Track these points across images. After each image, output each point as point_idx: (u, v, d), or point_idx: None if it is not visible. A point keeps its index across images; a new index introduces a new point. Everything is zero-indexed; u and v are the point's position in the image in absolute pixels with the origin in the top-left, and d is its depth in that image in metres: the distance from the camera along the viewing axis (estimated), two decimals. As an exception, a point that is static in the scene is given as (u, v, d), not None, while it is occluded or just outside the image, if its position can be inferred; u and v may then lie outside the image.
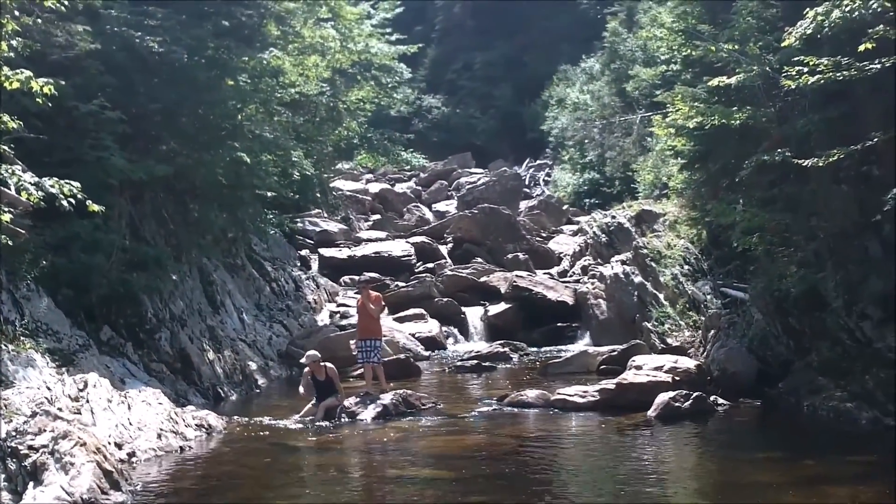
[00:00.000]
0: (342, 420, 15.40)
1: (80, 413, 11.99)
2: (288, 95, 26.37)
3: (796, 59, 14.04)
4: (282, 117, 26.10)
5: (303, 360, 16.16)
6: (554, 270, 30.53)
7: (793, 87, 14.32)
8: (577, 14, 59.50)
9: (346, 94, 33.79)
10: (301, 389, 15.99)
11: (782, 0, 16.84)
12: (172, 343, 17.26)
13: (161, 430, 13.10)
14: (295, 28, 25.63)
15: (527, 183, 49.03)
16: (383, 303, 18.29)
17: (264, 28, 21.99)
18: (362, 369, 17.30)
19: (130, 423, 12.74)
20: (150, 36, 17.05)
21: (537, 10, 63.05)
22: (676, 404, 14.93)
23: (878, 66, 12.94)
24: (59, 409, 11.53)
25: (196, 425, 14.02)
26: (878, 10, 12.74)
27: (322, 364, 15.86)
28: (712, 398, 15.60)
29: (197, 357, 17.69)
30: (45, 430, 10.20)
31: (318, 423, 15.10)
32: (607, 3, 49.62)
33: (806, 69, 13.73)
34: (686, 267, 21.03)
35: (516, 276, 26.97)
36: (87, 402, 12.40)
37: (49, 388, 12.11)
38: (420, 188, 48.86)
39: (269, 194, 22.92)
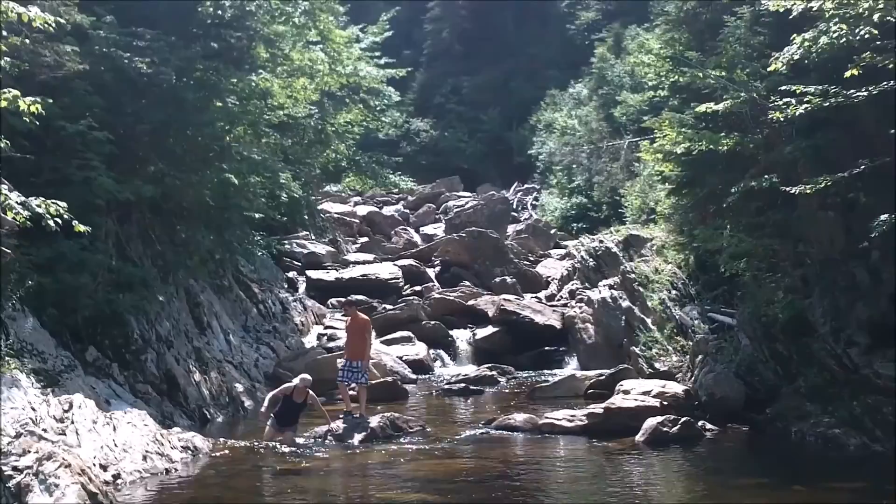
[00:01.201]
0: (329, 443, 15.30)
1: (64, 434, 11.88)
2: (276, 117, 26.32)
3: (784, 87, 14.13)
4: (270, 139, 26.04)
5: (295, 381, 15.90)
6: (541, 294, 30.47)
7: (781, 118, 14.41)
8: (565, 40, 59.86)
9: (334, 116, 33.77)
10: (265, 404, 15.70)
11: (770, 27, 16.99)
12: (158, 364, 17.13)
13: (146, 451, 12.99)
14: (284, 51, 25.64)
15: (514, 207, 49.01)
16: (371, 327, 18.09)
17: (253, 50, 22.00)
18: (351, 390, 17.17)
19: (116, 445, 12.62)
20: (139, 57, 17.01)
21: (524, 35, 63.46)
22: (664, 429, 14.93)
23: (865, 93, 13.03)
24: (44, 430, 11.44)
25: (182, 447, 13.91)
26: (866, 36, 12.84)
27: (308, 390, 15.69)
28: (700, 423, 15.61)
29: (183, 378, 17.56)
30: (29, 451, 10.09)
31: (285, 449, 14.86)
32: (595, 30, 50.01)
33: (794, 99, 13.81)
34: (674, 292, 21.06)
35: (504, 299, 26.92)
36: (72, 423, 12.28)
37: (34, 409, 11.98)
38: (408, 211, 48.79)
39: (256, 216, 22.86)
